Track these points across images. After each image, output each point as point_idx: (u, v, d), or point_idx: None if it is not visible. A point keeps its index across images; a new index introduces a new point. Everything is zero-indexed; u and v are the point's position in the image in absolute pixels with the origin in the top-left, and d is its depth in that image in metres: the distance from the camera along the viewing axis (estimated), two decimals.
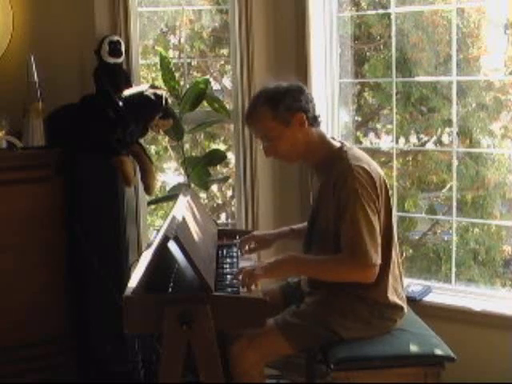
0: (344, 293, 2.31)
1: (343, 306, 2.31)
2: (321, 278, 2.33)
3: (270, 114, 2.31)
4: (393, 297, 2.34)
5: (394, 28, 3.25)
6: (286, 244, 2.77)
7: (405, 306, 2.42)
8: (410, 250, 4.19)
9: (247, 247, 2.64)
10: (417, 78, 3.68)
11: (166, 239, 2.03)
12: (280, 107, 2.30)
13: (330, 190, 2.28)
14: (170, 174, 5.06)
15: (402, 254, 3.96)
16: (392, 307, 2.35)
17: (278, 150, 2.37)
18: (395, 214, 3.42)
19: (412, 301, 2.93)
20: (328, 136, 2.44)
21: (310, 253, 2.43)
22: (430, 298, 3.11)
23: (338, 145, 2.40)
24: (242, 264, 2.47)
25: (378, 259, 2.19)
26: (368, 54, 4.01)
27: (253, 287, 2.20)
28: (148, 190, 3.18)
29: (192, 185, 3.30)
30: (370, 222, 2.19)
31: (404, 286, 3.02)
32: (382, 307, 2.32)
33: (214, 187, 4.94)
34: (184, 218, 2.29)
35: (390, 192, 2.38)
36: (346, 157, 2.31)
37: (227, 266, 2.51)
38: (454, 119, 3.24)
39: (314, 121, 2.37)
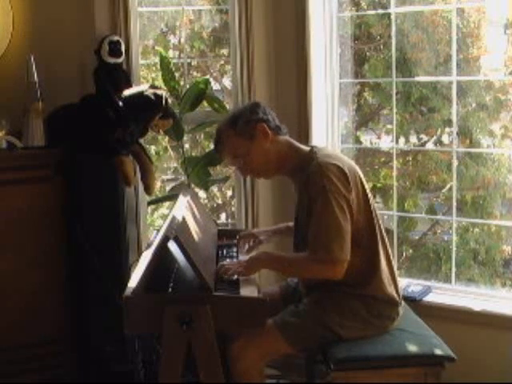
0: (340, 292, 2.32)
1: (340, 305, 2.32)
2: (292, 275, 2.49)
3: (232, 132, 2.41)
4: (390, 289, 2.37)
5: (393, 28, 3.25)
6: (282, 240, 2.82)
7: (401, 301, 2.43)
8: (410, 250, 4.18)
9: (247, 246, 2.68)
10: (417, 78, 3.68)
11: (165, 239, 2.03)
12: (238, 123, 2.40)
13: (303, 189, 2.34)
14: (170, 174, 5.06)
15: (402, 254, 3.97)
16: (389, 303, 2.36)
17: (252, 164, 2.44)
18: (395, 214, 3.44)
19: (412, 301, 2.93)
20: (296, 143, 2.48)
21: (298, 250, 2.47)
22: (430, 298, 3.11)
23: (307, 149, 2.45)
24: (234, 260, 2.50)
25: (342, 255, 2.20)
26: (368, 54, 4.01)
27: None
28: (148, 189, 3.18)
29: (192, 185, 3.30)
30: (336, 219, 2.21)
31: (404, 285, 3.04)
32: (379, 304, 2.33)
33: (214, 187, 4.94)
34: (184, 218, 2.29)
35: (366, 185, 2.40)
36: (316, 156, 2.35)
37: None
38: (454, 119, 3.24)
39: (278, 129, 2.44)
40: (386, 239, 2.43)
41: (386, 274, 2.35)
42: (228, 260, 2.57)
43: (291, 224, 2.69)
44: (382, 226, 2.42)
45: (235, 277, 2.28)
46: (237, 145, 2.41)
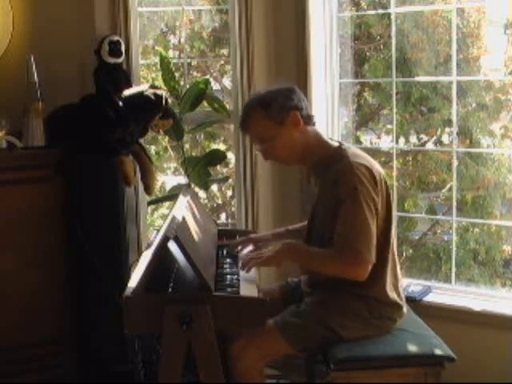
0: (343, 292, 2.31)
1: (342, 305, 2.31)
2: (313, 269, 2.37)
3: (263, 114, 2.32)
4: (392, 294, 2.35)
5: (393, 28, 3.25)
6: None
7: (404, 305, 2.42)
8: (410, 250, 4.18)
9: (245, 250, 2.62)
10: (417, 78, 3.68)
11: (165, 239, 2.03)
12: (272, 106, 2.31)
13: (329, 188, 2.27)
14: (169, 174, 5.06)
15: (401, 254, 3.96)
16: (391, 306, 2.35)
17: (276, 150, 2.37)
18: (395, 214, 3.43)
19: (412, 301, 2.93)
20: (325, 136, 2.43)
21: None
22: (430, 298, 3.11)
23: (336, 144, 2.40)
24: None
25: (370, 257, 2.18)
26: (368, 54, 4.01)
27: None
28: (148, 189, 3.18)
29: (192, 185, 3.30)
30: (365, 220, 2.19)
31: (404, 285, 3.03)
32: (381, 306, 2.32)
33: (214, 187, 4.94)
34: (184, 218, 2.29)
35: (390, 190, 2.38)
36: (346, 155, 2.30)
37: (227, 266, 2.52)
38: (454, 119, 3.24)
39: (309, 119, 2.37)
40: (395, 246, 2.41)
41: (390, 279, 2.34)
42: (228, 260, 2.58)
43: (291, 227, 2.68)
44: (394, 233, 2.39)
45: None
46: (265, 128, 2.33)
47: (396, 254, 2.42)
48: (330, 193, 2.27)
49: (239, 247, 2.62)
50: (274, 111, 2.31)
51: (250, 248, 2.63)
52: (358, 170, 2.23)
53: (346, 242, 2.18)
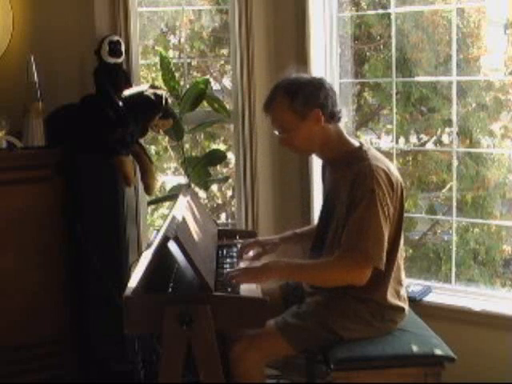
0: (345, 294, 2.30)
1: (344, 306, 2.30)
2: (311, 281, 2.32)
3: (287, 105, 2.30)
4: (394, 299, 2.34)
5: (393, 28, 3.25)
6: (289, 248, 2.73)
7: (406, 307, 2.42)
8: (410, 250, 4.18)
9: (251, 253, 2.61)
10: (417, 78, 3.68)
11: (165, 239, 2.03)
12: (298, 99, 2.28)
13: (347, 188, 2.24)
14: (170, 174, 5.06)
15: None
16: (393, 309, 2.35)
17: (294, 141, 2.35)
18: None
19: (412, 301, 2.93)
20: (346, 134, 2.40)
21: (320, 250, 2.38)
22: (429, 298, 3.11)
23: (356, 144, 2.37)
24: (241, 265, 2.47)
25: (379, 263, 2.16)
26: (368, 54, 4.00)
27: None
28: (148, 189, 3.18)
29: (192, 185, 3.30)
30: (379, 224, 2.17)
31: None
32: (383, 309, 2.32)
33: (214, 187, 4.94)
34: (184, 218, 2.29)
35: (405, 198, 2.36)
36: (367, 156, 2.28)
37: (227, 265, 2.51)
38: (454, 119, 3.24)
39: (332, 117, 2.33)
40: (403, 251, 2.39)
41: (393, 285, 2.33)
42: (228, 260, 2.57)
43: (298, 231, 2.65)
44: (402, 240, 2.37)
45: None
46: (287, 118, 2.31)
47: (402, 260, 2.40)
48: (347, 193, 2.24)
49: (246, 250, 2.61)
50: (299, 103, 2.28)
51: (256, 251, 2.62)
52: (377, 174, 2.21)
53: (357, 243, 2.16)
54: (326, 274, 2.23)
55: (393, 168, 2.33)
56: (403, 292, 2.41)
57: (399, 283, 2.37)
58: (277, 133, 2.41)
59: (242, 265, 2.47)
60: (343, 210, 2.25)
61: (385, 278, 2.29)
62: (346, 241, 2.19)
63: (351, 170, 2.26)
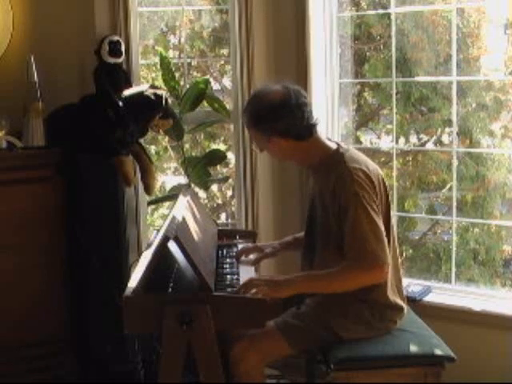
0: (344, 294, 2.28)
1: (344, 307, 2.30)
2: (335, 290, 2.24)
3: (253, 128, 2.36)
4: (393, 297, 2.34)
5: (393, 28, 3.25)
6: (291, 254, 2.71)
7: (405, 306, 2.42)
8: (410, 250, 4.18)
9: (251, 256, 2.61)
10: (417, 78, 3.68)
11: (165, 239, 2.03)
12: (260, 126, 2.32)
13: (329, 194, 2.25)
14: (170, 174, 5.06)
15: (401, 254, 3.96)
16: (392, 308, 2.35)
17: (271, 155, 2.47)
18: (395, 214, 3.44)
19: (412, 301, 2.93)
20: (323, 137, 2.38)
21: (311, 256, 2.39)
22: (429, 298, 3.10)
23: (334, 147, 2.36)
24: (241, 269, 2.47)
25: (386, 258, 2.17)
26: (368, 53, 4.00)
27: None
28: (148, 189, 3.18)
29: (192, 185, 3.30)
30: (374, 222, 2.18)
31: (404, 285, 3.03)
32: (383, 308, 2.32)
33: (214, 187, 4.94)
34: (184, 218, 2.29)
35: (389, 191, 2.37)
36: (344, 159, 2.28)
37: (227, 265, 2.52)
38: (454, 119, 3.24)
39: (302, 135, 2.29)
40: (398, 249, 2.40)
41: (391, 282, 2.33)
42: (228, 260, 2.58)
43: (298, 235, 2.64)
44: (395, 236, 2.38)
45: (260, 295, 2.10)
46: (256, 137, 2.38)
47: (398, 256, 2.41)
48: (331, 199, 2.25)
49: (245, 254, 2.61)
50: (261, 129, 2.32)
51: (254, 256, 2.61)
52: (356, 176, 2.21)
53: (360, 249, 2.16)
54: (348, 283, 2.20)
55: (371, 164, 2.33)
56: (402, 290, 2.41)
57: (398, 280, 2.38)
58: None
59: (243, 269, 2.47)
60: (329, 215, 2.26)
61: None
62: (351, 249, 2.19)
63: (330, 176, 2.26)
